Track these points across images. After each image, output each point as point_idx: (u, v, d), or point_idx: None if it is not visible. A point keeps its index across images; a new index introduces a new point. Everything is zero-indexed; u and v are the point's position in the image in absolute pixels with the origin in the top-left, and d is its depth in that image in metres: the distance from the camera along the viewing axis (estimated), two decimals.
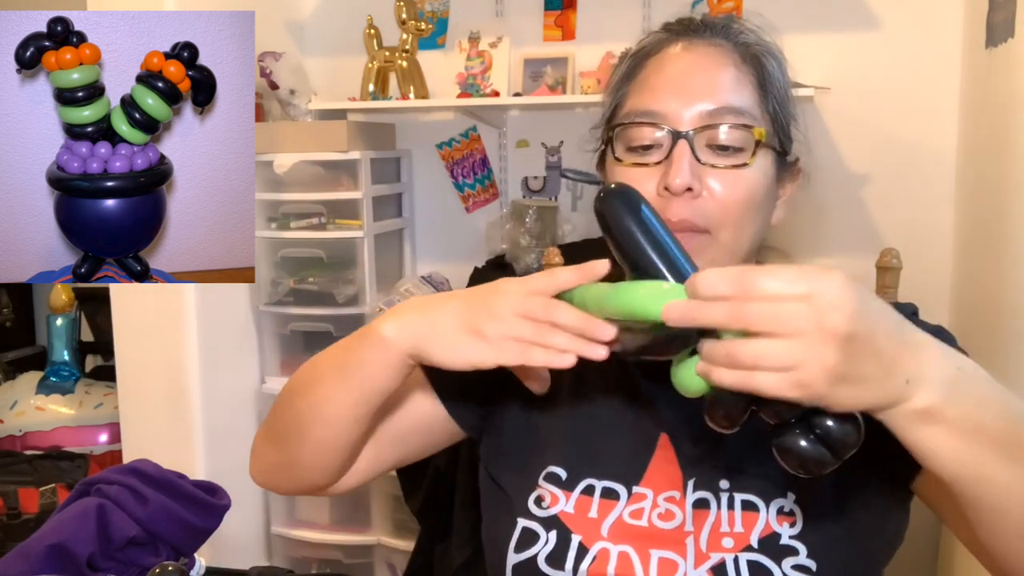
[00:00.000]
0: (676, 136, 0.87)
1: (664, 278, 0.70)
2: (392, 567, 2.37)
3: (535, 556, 0.89)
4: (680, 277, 0.69)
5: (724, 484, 0.87)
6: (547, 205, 2.45)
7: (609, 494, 0.90)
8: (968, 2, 2.12)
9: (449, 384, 0.99)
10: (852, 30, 2.24)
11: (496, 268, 2.42)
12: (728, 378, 0.61)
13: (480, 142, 2.56)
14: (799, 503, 0.85)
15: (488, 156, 2.56)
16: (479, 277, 2.40)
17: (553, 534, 0.89)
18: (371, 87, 2.38)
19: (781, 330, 0.59)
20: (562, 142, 2.49)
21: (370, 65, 2.39)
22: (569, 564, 0.87)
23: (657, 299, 0.65)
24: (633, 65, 0.94)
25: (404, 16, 2.33)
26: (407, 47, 2.35)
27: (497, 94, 2.37)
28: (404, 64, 2.35)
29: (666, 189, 0.86)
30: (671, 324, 0.63)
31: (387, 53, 2.37)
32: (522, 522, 0.91)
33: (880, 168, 2.26)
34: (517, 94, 2.40)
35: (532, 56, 2.44)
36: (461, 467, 1.92)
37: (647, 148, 0.89)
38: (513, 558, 0.90)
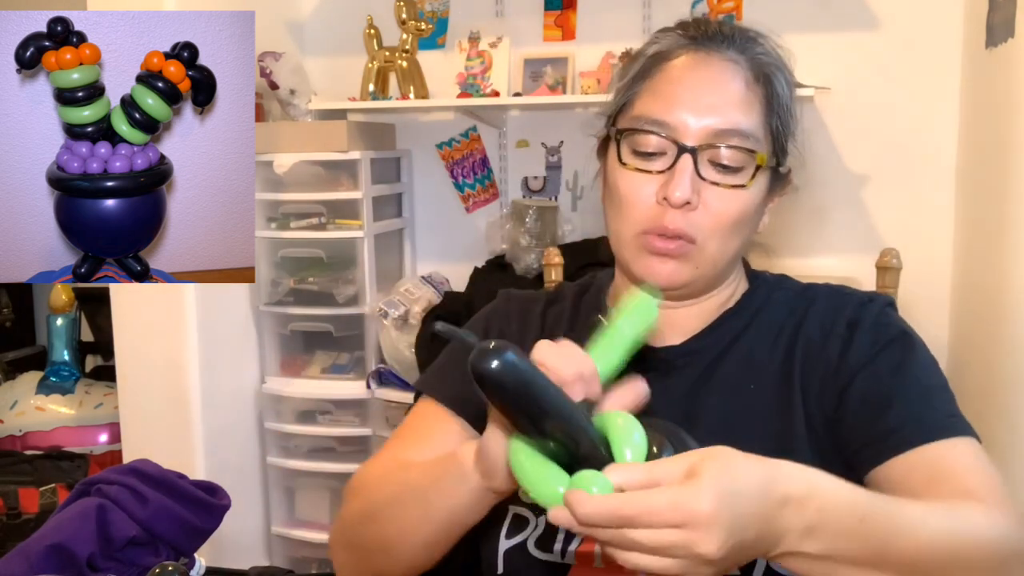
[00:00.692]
0: (681, 149, 0.89)
1: (565, 445, 0.67)
2: None
3: (525, 541, 0.92)
4: (575, 439, 0.66)
5: None
6: (547, 205, 2.45)
7: None
8: (968, 2, 2.12)
9: (465, 406, 0.99)
10: (852, 30, 2.23)
11: (496, 268, 2.42)
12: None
13: (480, 142, 2.56)
14: None
15: (488, 156, 2.56)
16: (479, 277, 2.40)
17: (543, 519, 0.92)
18: (371, 87, 2.38)
19: (662, 554, 0.62)
20: (562, 142, 2.49)
21: (370, 65, 2.39)
22: (558, 546, 0.90)
23: (545, 498, 0.66)
24: (648, 66, 0.94)
25: (404, 16, 2.33)
26: (407, 47, 2.35)
27: (497, 94, 2.37)
28: (404, 64, 2.35)
29: (665, 199, 0.89)
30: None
31: (387, 53, 2.37)
32: (513, 509, 0.94)
33: (880, 168, 2.26)
34: (517, 94, 2.40)
35: (532, 56, 2.44)
36: None
37: (652, 155, 0.91)
38: (504, 544, 0.92)
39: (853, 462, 0.87)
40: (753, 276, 1.02)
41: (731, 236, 0.91)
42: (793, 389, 0.92)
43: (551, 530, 0.91)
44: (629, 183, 0.91)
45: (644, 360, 0.88)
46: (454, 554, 0.96)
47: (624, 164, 0.92)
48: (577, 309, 1.05)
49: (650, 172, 0.90)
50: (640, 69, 0.94)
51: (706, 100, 0.89)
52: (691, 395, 0.94)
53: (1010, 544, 0.76)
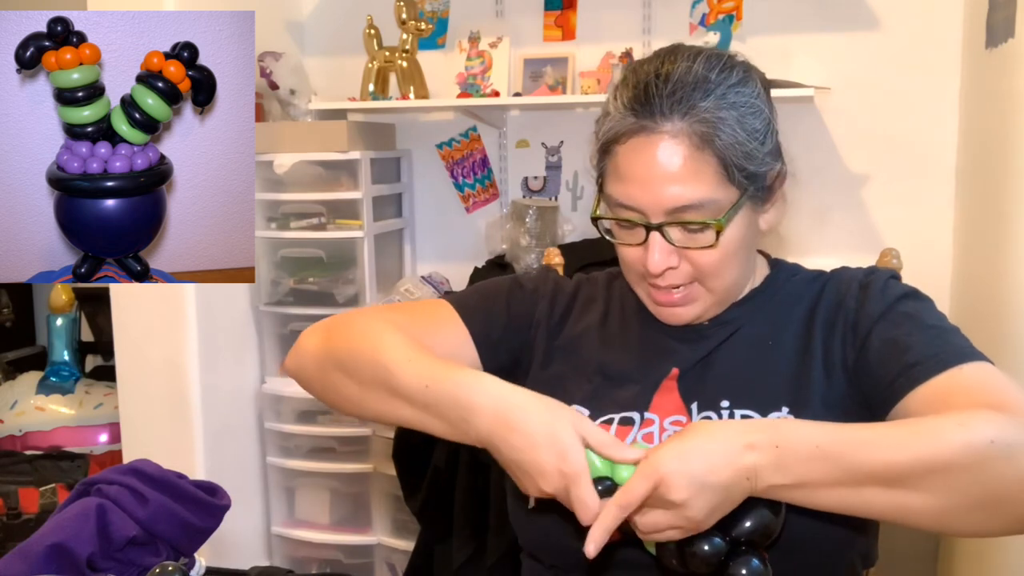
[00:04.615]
0: (648, 228, 0.98)
1: None
2: (392, 567, 2.37)
3: None
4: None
5: (725, 403, 1.01)
6: (547, 205, 2.45)
7: (626, 422, 1.03)
8: (968, 2, 2.12)
9: (486, 335, 1.10)
10: (852, 30, 2.23)
11: (496, 268, 2.42)
12: (652, 538, 0.85)
13: (480, 142, 2.56)
14: (792, 414, 0.98)
15: (488, 156, 2.56)
16: (479, 277, 2.40)
17: None
18: (371, 87, 2.38)
19: (659, 510, 0.82)
20: (562, 142, 2.49)
21: (370, 65, 2.39)
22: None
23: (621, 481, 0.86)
24: (605, 148, 1.00)
25: (404, 16, 2.33)
26: (407, 47, 2.35)
27: (497, 94, 2.37)
28: (404, 64, 2.35)
29: (646, 267, 0.99)
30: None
31: (387, 53, 2.37)
32: None
33: (880, 168, 2.26)
34: (517, 94, 2.40)
35: (532, 56, 2.44)
36: (461, 467, 1.92)
37: (631, 226, 0.99)
38: None
39: (878, 402, 0.95)
40: (774, 263, 1.12)
41: (726, 271, 1.00)
42: (812, 347, 1.01)
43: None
44: (620, 249, 1.02)
45: (679, 332, 1.05)
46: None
47: (612, 238, 1.02)
48: (609, 293, 1.15)
49: (632, 246, 1.00)
50: (601, 148, 1.01)
51: (656, 181, 0.95)
52: (714, 351, 1.04)
53: (1008, 441, 0.79)
